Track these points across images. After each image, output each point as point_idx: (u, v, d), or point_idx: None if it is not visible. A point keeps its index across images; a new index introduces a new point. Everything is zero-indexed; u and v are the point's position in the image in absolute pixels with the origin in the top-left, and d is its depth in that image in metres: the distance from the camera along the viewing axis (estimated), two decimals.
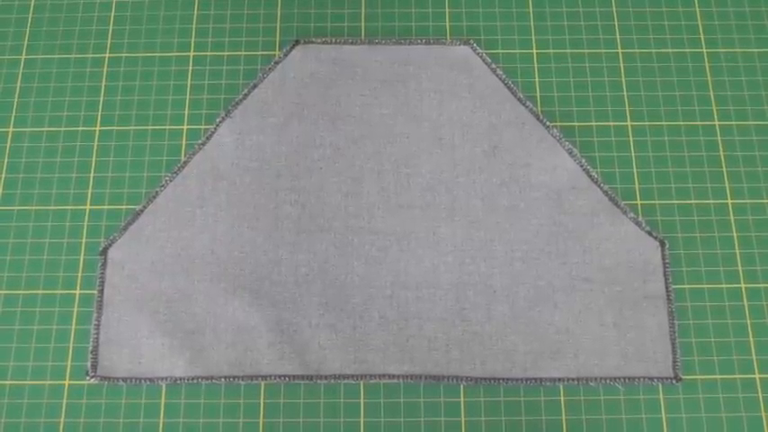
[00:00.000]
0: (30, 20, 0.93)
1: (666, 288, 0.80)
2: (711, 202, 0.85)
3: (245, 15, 0.93)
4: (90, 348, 0.79)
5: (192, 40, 0.92)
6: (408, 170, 0.84)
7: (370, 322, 0.79)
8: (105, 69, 0.91)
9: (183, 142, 0.87)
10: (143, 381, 0.77)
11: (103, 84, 0.90)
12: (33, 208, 0.85)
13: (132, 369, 0.78)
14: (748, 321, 0.80)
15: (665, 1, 0.93)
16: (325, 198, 0.83)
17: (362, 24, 0.92)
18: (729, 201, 0.84)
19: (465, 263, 0.81)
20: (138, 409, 0.78)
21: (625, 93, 0.89)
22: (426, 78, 0.88)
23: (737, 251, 0.83)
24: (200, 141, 0.86)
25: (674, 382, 0.77)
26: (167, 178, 0.84)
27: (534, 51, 0.91)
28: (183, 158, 0.86)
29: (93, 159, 0.87)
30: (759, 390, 0.78)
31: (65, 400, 0.78)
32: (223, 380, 0.77)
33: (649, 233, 0.82)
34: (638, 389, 0.78)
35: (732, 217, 0.84)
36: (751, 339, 0.80)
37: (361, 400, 0.78)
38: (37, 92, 0.89)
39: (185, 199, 0.83)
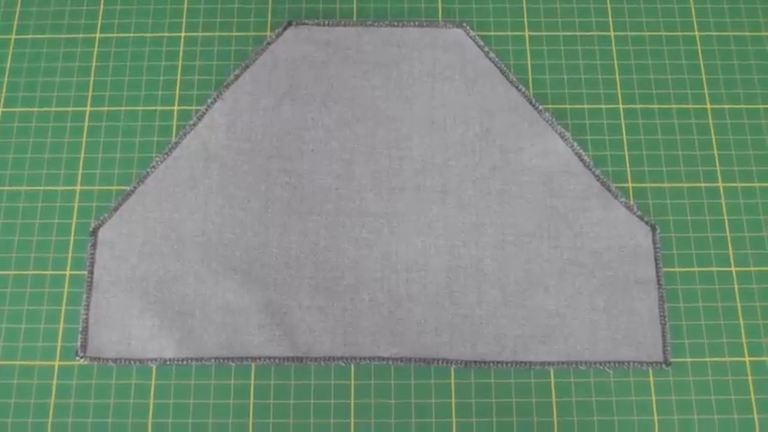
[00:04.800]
0: (20, 0, 0.90)
1: (657, 272, 0.78)
2: (703, 185, 0.82)
3: None
4: (80, 329, 0.76)
5: (184, 20, 0.89)
6: (400, 153, 0.82)
7: (361, 305, 0.77)
8: (96, 50, 0.88)
9: (174, 123, 0.84)
10: (133, 362, 0.75)
11: (94, 64, 0.87)
12: (23, 188, 0.82)
13: (122, 350, 0.76)
14: (738, 305, 0.78)
15: None
16: (316, 180, 0.81)
17: (354, 6, 0.90)
18: (721, 184, 0.82)
19: (456, 246, 0.79)
20: (129, 390, 0.76)
21: (617, 76, 0.87)
22: (419, 61, 0.85)
23: (728, 234, 0.81)
24: (191, 122, 0.83)
25: (663, 366, 0.75)
26: (158, 159, 0.82)
27: (526, 34, 0.89)
28: (173, 139, 0.83)
29: (84, 140, 0.84)
30: (749, 373, 0.76)
31: (55, 381, 0.76)
32: (213, 361, 0.75)
33: (641, 218, 0.79)
34: (628, 372, 0.76)
35: (723, 200, 0.82)
36: (741, 322, 0.78)
37: (352, 382, 0.76)
38: (27, 72, 0.87)
39: (176, 180, 0.81)
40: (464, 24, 0.87)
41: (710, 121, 0.85)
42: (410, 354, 0.75)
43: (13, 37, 0.88)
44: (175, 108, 0.85)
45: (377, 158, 0.82)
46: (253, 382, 0.76)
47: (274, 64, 0.85)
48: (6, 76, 0.87)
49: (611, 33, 0.89)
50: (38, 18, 0.89)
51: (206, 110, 0.83)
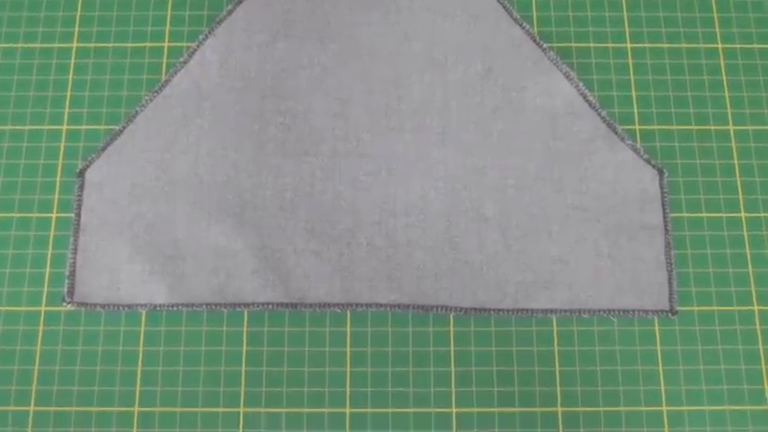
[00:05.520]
0: None
1: (664, 218, 0.75)
2: (712, 127, 0.79)
3: None
4: (66, 273, 0.74)
5: None
6: (398, 92, 0.79)
7: (357, 249, 0.74)
8: None
9: (164, 60, 0.81)
10: (122, 307, 0.73)
11: None
12: (8, 128, 0.79)
13: (110, 295, 0.73)
14: (748, 252, 0.76)
15: None
16: (311, 120, 0.78)
17: None
18: (731, 127, 0.79)
19: (456, 189, 0.76)
20: (117, 337, 0.73)
21: (625, 13, 0.83)
22: None
23: (738, 179, 0.78)
24: (181, 60, 0.79)
25: (669, 315, 0.73)
26: (148, 98, 0.78)
27: None
28: (163, 77, 0.79)
29: (70, 77, 0.80)
30: (757, 322, 0.74)
31: (41, 327, 0.73)
32: (205, 307, 0.73)
33: (648, 161, 0.76)
34: (632, 321, 0.74)
35: (734, 143, 0.78)
36: (750, 270, 0.75)
37: (348, 329, 0.74)
38: (10, 6, 0.83)
39: (166, 120, 0.78)
40: None
41: (722, 62, 0.81)
42: (408, 300, 0.73)
43: None
44: (166, 44, 0.81)
45: (374, 98, 0.78)
46: (245, 328, 0.74)
47: None
48: None
49: None
50: None
51: (197, 47, 0.80)
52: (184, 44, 0.81)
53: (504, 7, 0.81)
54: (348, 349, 0.73)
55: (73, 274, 0.74)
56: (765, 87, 0.80)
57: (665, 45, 0.82)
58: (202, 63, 0.79)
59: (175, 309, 0.73)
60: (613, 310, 0.73)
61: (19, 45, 0.81)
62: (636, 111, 0.80)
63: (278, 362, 0.73)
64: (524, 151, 0.77)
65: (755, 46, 0.82)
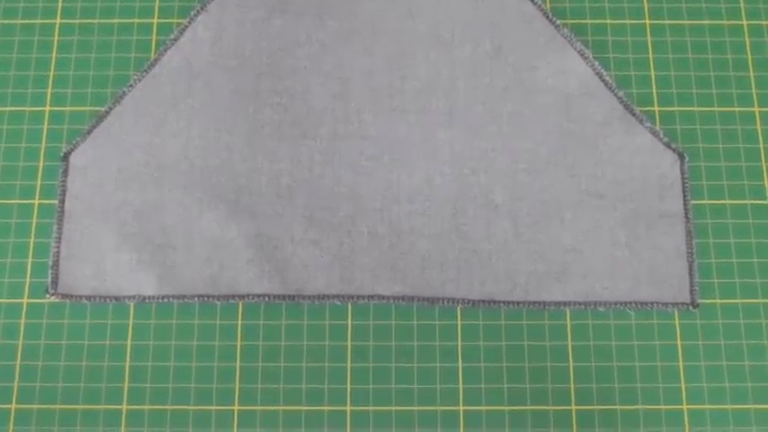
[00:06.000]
0: None
1: (685, 205, 0.73)
2: (737, 109, 0.77)
3: None
4: (50, 264, 0.72)
5: None
6: (402, 71, 0.76)
7: (359, 238, 0.72)
8: None
9: (154, 38, 0.79)
10: (109, 299, 0.71)
11: None
12: None
13: (97, 286, 0.71)
14: None
15: None
16: (310, 101, 0.76)
17: None
18: (756, 108, 0.76)
19: (463, 174, 0.74)
20: (104, 331, 0.71)
21: None
22: None
23: (764, 164, 0.75)
24: (172, 37, 0.77)
25: (690, 308, 0.71)
26: (136, 77, 0.76)
27: None
28: (153, 56, 0.78)
29: (54, 56, 0.78)
30: None
31: (23, 320, 0.71)
32: (197, 299, 0.71)
33: (667, 145, 0.74)
34: (651, 314, 0.71)
35: (759, 126, 0.76)
36: None
37: (349, 323, 0.72)
38: None
39: (156, 100, 0.76)
40: None
41: (746, 39, 0.79)
42: (413, 292, 0.71)
43: None
44: (155, 21, 0.79)
45: (376, 77, 0.76)
46: (240, 322, 0.72)
47: None
48: None
49: None
50: None
51: (189, 23, 0.78)
52: (175, 20, 0.79)
53: None
54: (349, 344, 0.71)
55: (56, 264, 0.72)
56: None
57: (687, 22, 0.79)
58: (194, 40, 0.77)
59: (165, 301, 0.71)
60: (631, 303, 0.71)
61: None
62: (655, 91, 0.77)
63: (274, 357, 0.71)
64: (536, 134, 0.75)
65: None
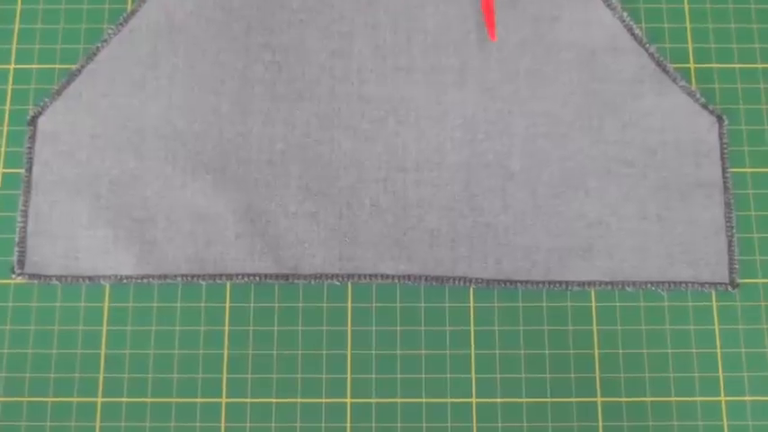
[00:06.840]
0: None
1: (723, 173, 0.71)
2: None
3: None
4: (16, 240, 0.70)
5: None
6: (408, 25, 0.74)
7: (360, 211, 0.70)
8: None
9: None
10: (82, 280, 0.69)
11: None
12: None
13: (68, 265, 0.70)
14: None
15: None
16: (306, 57, 0.73)
17: None
18: None
19: (477, 139, 0.72)
20: (77, 315, 0.69)
21: None
22: None
23: None
24: None
25: (729, 288, 0.69)
26: (110, 31, 0.74)
27: None
28: (129, 7, 0.76)
29: (18, 7, 0.76)
30: None
31: None
32: (180, 279, 0.69)
33: (704, 106, 0.72)
34: (685, 295, 0.69)
35: None
36: None
37: (349, 305, 0.70)
38: None
39: (133, 57, 0.73)
40: None
41: None
42: (420, 271, 0.69)
43: None
44: None
45: (380, 32, 0.74)
46: (228, 304, 0.70)
47: None
48: None
49: None
50: None
51: None
52: None
53: None
54: (349, 329, 0.70)
55: (23, 240, 0.70)
56: None
57: None
58: None
59: (145, 281, 0.70)
60: (663, 283, 0.69)
61: None
62: (690, 46, 0.75)
63: (266, 344, 0.69)
64: (557, 94, 0.73)
65: None
